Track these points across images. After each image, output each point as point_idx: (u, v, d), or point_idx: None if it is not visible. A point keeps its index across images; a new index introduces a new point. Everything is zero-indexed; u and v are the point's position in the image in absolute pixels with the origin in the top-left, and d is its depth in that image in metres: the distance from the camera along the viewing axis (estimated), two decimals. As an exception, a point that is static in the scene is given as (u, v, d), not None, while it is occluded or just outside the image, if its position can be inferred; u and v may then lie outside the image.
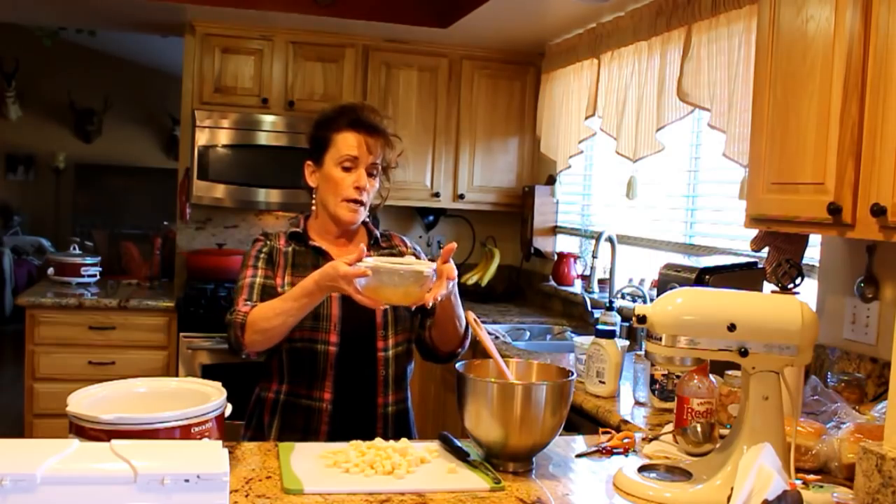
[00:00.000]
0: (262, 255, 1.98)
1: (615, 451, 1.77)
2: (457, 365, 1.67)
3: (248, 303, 1.89)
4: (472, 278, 4.52)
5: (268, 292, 1.92)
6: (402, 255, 2.07)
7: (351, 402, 1.93)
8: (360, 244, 1.85)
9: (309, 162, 2.01)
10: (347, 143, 1.94)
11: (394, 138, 2.03)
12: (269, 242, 2.01)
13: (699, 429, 1.71)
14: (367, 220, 2.08)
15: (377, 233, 2.10)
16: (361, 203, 1.96)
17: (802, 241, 2.28)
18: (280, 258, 1.98)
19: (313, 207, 2.03)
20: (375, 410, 1.95)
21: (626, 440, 1.80)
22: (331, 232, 2.02)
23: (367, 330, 1.94)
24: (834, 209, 1.71)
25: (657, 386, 2.22)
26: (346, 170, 1.94)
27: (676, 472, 1.58)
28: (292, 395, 1.93)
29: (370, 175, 1.96)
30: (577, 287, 4.02)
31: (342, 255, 1.99)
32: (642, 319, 1.53)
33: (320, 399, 1.91)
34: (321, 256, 1.98)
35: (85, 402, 1.44)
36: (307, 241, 2.01)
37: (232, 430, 1.67)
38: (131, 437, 1.31)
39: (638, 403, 2.29)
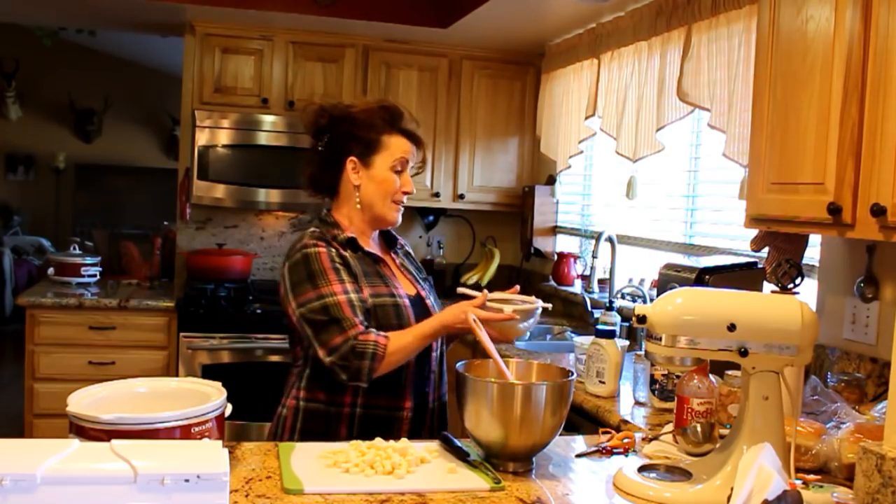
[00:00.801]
0: (340, 266, 1.90)
1: (615, 451, 1.77)
2: (457, 365, 1.67)
3: (371, 329, 1.83)
4: (472, 278, 4.52)
5: (364, 308, 1.88)
6: (407, 255, 2.15)
7: (418, 405, 1.95)
8: (483, 291, 1.91)
9: (353, 159, 1.97)
10: (402, 147, 1.99)
11: None
12: (331, 249, 1.93)
13: (699, 429, 1.71)
14: None
15: (393, 233, 2.13)
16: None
17: (802, 241, 2.28)
18: (353, 268, 1.93)
19: (358, 206, 1.99)
20: (427, 407, 1.98)
21: (626, 440, 1.81)
22: (366, 233, 2.03)
23: None
24: (834, 209, 1.71)
25: (657, 386, 2.22)
26: (397, 172, 1.98)
27: (676, 472, 1.58)
28: (371, 406, 1.91)
29: None
30: (577, 287, 4.02)
31: (386, 258, 2.04)
32: (642, 319, 1.54)
33: (401, 408, 1.92)
34: (377, 264, 1.99)
35: (85, 402, 1.44)
36: (362, 248, 1.98)
37: (233, 429, 1.67)
38: (131, 437, 1.31)
39: (638, 403, 2.29)
